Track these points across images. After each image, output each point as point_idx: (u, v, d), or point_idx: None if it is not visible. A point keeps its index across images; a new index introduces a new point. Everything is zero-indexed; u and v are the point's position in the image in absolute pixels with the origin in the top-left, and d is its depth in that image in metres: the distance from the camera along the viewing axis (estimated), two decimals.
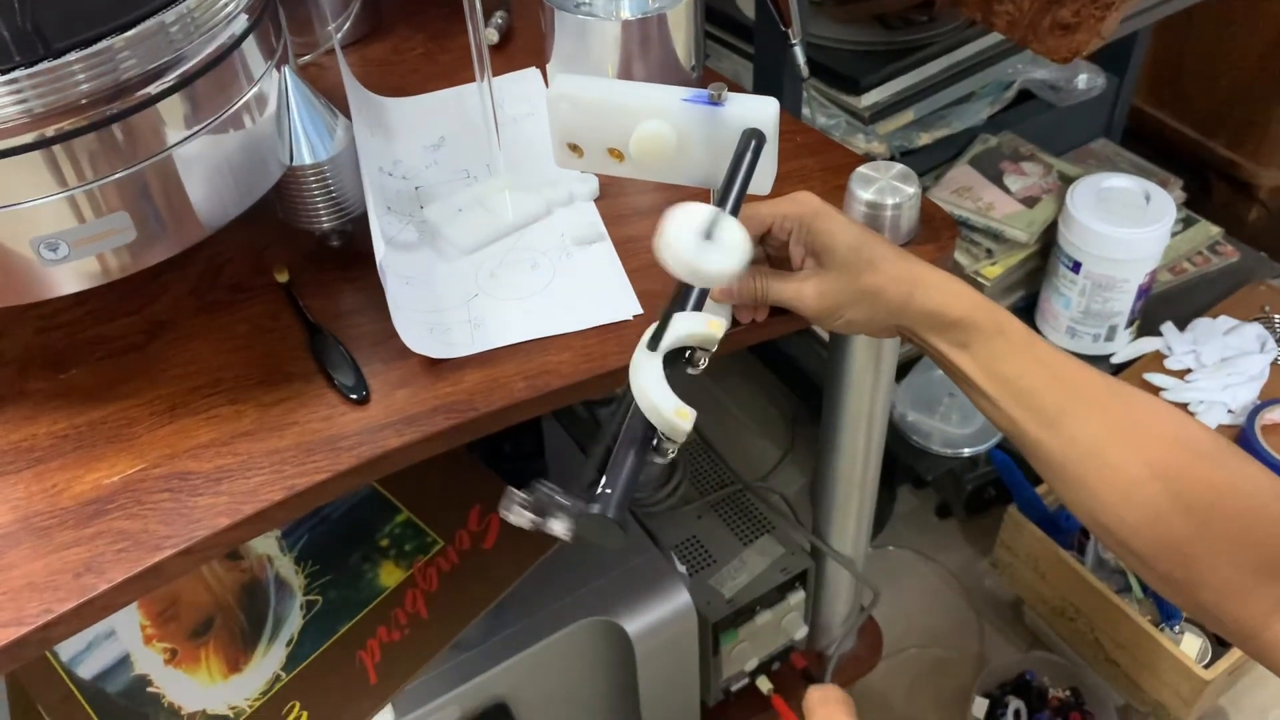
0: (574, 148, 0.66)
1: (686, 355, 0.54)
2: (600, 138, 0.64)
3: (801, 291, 0.65)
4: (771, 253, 0.69)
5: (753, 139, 0.58)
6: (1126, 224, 1.25)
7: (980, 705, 1.20)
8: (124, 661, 0.82)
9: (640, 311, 0.73)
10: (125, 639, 0.83)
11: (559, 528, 0.50)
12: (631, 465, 0.49)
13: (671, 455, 0.51)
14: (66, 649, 0.83)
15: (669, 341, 0.52)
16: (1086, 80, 1.48)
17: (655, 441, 0.51)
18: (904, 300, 0.63)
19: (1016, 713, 1.19)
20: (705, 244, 0.51)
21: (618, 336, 0.72)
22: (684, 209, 0.52)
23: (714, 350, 0.55)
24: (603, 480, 0.48)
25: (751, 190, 0.61)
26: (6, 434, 0.68)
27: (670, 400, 0.50)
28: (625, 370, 0.70)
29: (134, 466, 0.65)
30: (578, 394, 0.69)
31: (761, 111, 0.57)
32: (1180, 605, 0.60)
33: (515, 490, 0.51)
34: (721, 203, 0.58)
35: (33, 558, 0.61)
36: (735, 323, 0.71)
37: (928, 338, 0.63)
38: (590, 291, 0.75)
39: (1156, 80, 1.70)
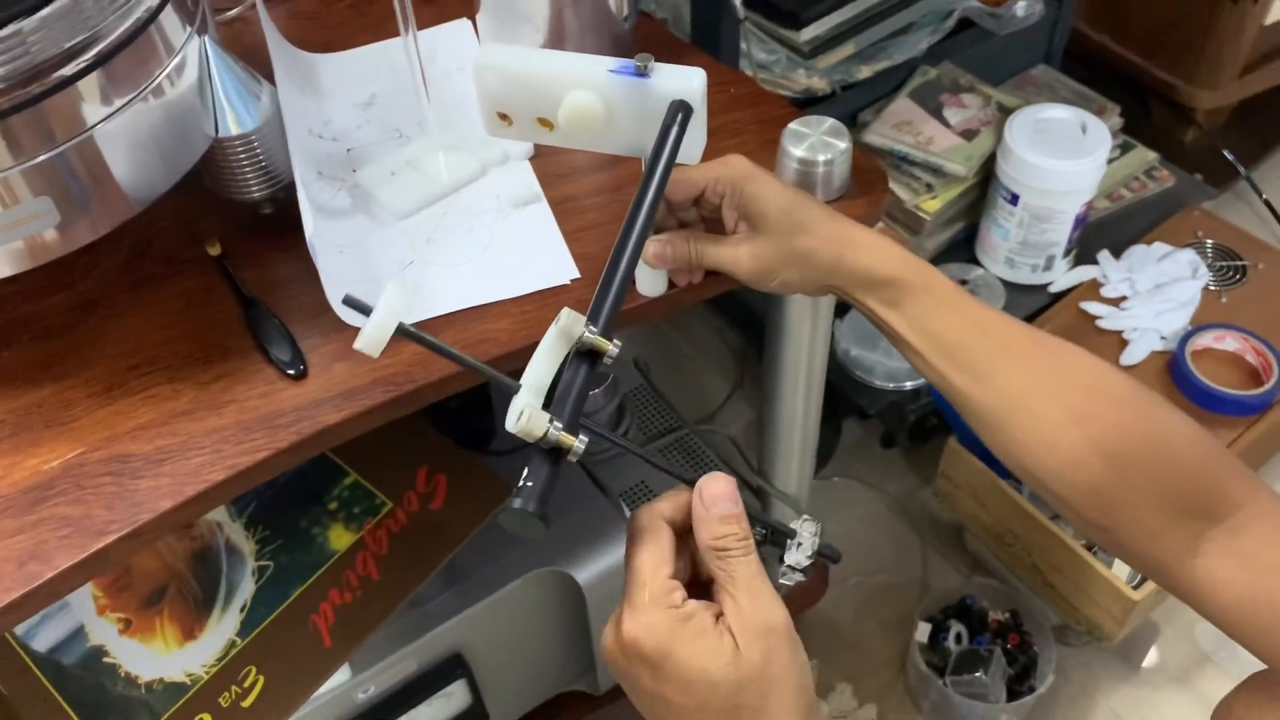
0: (504, 116, 0.66)
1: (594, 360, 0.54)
2: (529, 107, 0.63)
3: (736, 256, 0.66)
4: (706, 215, 0.69)
5: (679, 112, 0.58)
6: (1063, 156, 1.27)
7: (923, 629, 1.24)
8: (78, 633, 0.83)
9: (577, 275, 0.73)
10: (79, 610, 0.84)
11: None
12: (550, 465, 0.50)
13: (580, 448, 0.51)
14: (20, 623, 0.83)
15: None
16: (1025, 7, 1.47)
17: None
18: (835, 261, 0.64)
19: (958, 636, 1.23)
20: None
21: (556, 302, 0.72)
22: None
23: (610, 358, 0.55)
24: (525, 473, 0.49)
25: (681, 159, 0.62)
26: None
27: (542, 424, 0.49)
28: None
29: (73, 450, 0.65)
30: (517, 361, 0.70)
31: (687, 83, 0.57)
32: (1102, 545, 0.63)
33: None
34: (649, 174, 0.59)
35: None
36: (672, 285, 0.72)
37: (859, 296, 0.64)
38: (528, 256, 0.75)
39: (1097, 3, 1.70)
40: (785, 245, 0.65)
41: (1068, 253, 1.37)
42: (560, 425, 0.49)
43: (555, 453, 0.50)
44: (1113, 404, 0.59)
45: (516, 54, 0.62)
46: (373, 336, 0.48)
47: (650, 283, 0.71)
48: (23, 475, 0.64)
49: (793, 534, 0.54)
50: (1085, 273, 1.38)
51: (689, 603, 0.48)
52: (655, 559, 0.50)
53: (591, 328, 0.53)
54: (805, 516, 0.55)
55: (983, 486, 1.24)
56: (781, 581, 0.53)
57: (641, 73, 0.58)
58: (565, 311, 0.53)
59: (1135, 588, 1.13)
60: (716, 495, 0.50)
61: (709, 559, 0.50)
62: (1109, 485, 0.58)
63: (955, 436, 1.27)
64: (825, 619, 1.33)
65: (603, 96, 0.60)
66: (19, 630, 0.83)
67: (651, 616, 0.48)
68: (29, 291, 0.75)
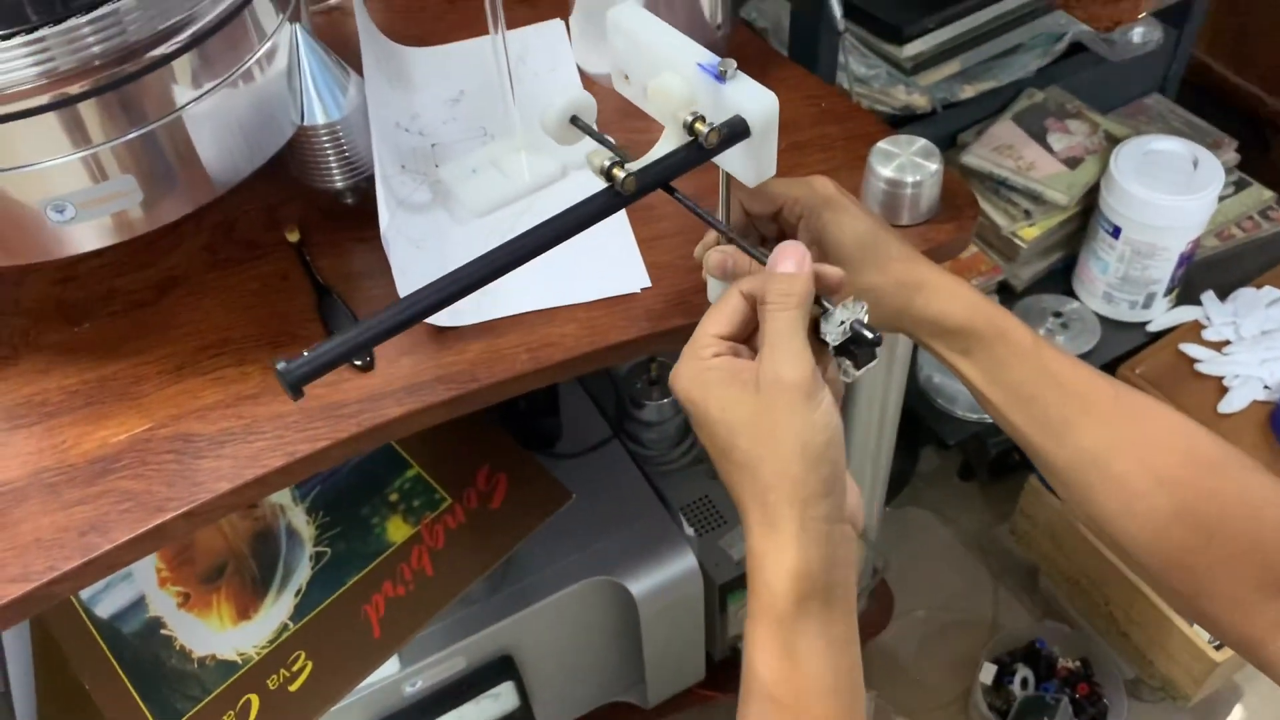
0: (625, 76, 0.65)
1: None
2: (641, 74, 0.62)
3: None
4: (787, 231, 0.67)
5: (730, 128, 0.56)
6: (1171, 190, 1.21)
7: (988, 671, 1.20)
8: (139, 603, 0.84)
9: (648, 284, 0.72)
10: (141, 581, 0.86)
11: None
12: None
13: None
14: (86, 588, 0.85)
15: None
16: (1142, 34, 1.42)
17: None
18: (904, 304, 0.61)
19: (1024, 680, 1.19)
20: None
21: (624, 309, 0.71)
22: None
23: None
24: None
25: (738, 176, 0.60)
26: (20, 387, 0.69)
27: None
28: (629, 344, 0.70)
29: (141, 425, 0.66)
30: (579, 367, 0.69)
31: (756, 102, 0.55)
32: (1185, 614, 0.60)
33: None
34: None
35: (41, 514, 0.62)
36: None
37: (930, 341, 0.62)
38: (600, 261, 0.74)
39: (1218, 32, 1.63)
40: (852, 280, 0.62)
41: (1169, 291, 1.31)
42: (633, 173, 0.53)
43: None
44: (1198, 468, 0.56)
45: (644, 20, 0.61)
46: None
47: (720, 293, 0.70)
48: (91, 446, 0.65)
49: (828, 305, 0.53)
50: (1187, 313, 1.32)
51: (719, 358, 0.52)
52: (712, 318, 0.54)
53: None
54: (853, 299, 0.53)
55: (1062, 528, 1.19)
56: (836, 359, 0.53)
57: (720, 76, 0.56)
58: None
59: (1218, 648, 1.07)
60: (781, 255, 0.53)
61: (758, 311, 0.53)
62: (1191, 554, 0.55)
63: (1036, 475, 1.23)
64: (887, 651, 1.30)
65: (689, 85, 0.58)
66: (84, 595, 0.85)
67: (684, 366, 0.53)
68: (113, 266, 0.76)
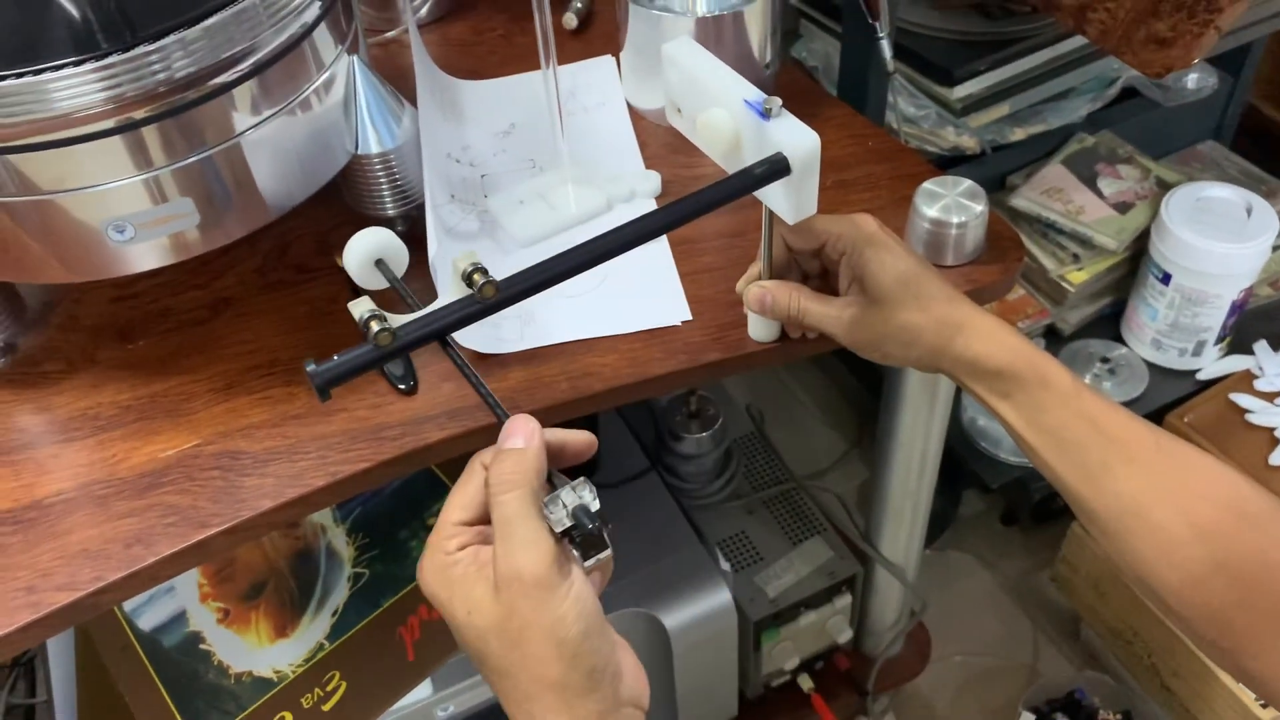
0: (678, 109, 0.66)
1: None
2: (691, 107, 0.63)
3: (839, 319, 0.64)
4: (829, 268, 0.68)
5: (769, 166, 0.56)
6: (1224, 237, 1.20)
7: None
8: (180, 617, 0.86)
9: (689, 317, 0.73)
10: (183, 595, 0.87)
11: None
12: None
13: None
14: (130, 600, 0.87)
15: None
16: (1197, 80, 1.41)
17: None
18: (944, 345, 0.61)
19: None
20: None
21: (664, 342, 0.71)
22: None
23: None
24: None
25: (778, 213, 0.60)
26: (75, 400, 0.71)
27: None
28: (668, 377, 0.71)
29: (189, 442, 0.68)
30: (618, 398, 0.70)
31: (797, 141, 0.56)
32: (1227, 670, 0.58)
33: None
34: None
35: (89, 525, 0.64)
36: (784, 335, 0.71)
37: (969, 383, 0.62)
38: (642, 293, 0.75)
39: (1275, 79, 1.61)
40: (893, 318, 0.62)
41: (1221, 339, 1.29)
42: (388, 327, 0.51)
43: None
44: (1241, 520, 0.55)
45: (696, 55, 0.62)
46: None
47: (761, 329, 0.70)
48: (140, 460, 0.67)
49: (556, 484, 0.49)
50: (1238, 362, 1.30)
51: (464, 550, 0.48)
52: (453, 502, 0.50)
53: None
54: (583, 479, 0.49)
55: (1105, 577, 1.17)
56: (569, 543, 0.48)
57: (765, 114, 0.57)
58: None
59: (1264, 706, 1.05)
60: (508, 431, 0.50)
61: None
62: (1232, 609, 0.54)
63: (1079, 523, 1.21)
64: (922, 697, 1.28)
65: (735, 121, 0.59)
66: (127, 607, 0.87)
67: (426, 559, 0.49)
68: (169, 286, 0.79)
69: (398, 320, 0.53)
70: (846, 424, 1.57)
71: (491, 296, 0.53)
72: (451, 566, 0.48)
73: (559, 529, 0.47)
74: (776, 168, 0.56)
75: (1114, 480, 0.57)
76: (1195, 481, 0.56)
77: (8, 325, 0.72)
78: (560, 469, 0.52)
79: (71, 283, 0.78)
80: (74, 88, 0.58)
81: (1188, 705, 1.12)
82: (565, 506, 0.48)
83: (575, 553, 0.48)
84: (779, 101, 0.58)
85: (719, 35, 0.83)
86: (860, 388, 1.58)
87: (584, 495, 0.48)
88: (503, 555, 0.46)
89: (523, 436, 0.50)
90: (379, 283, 0.61)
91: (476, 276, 0.53)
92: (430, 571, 0.49)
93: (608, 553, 0.49)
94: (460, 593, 0.47)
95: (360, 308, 0.52)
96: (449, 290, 0.56)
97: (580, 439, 0.53)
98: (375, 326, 0.51)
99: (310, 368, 0.50)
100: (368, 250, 0.60)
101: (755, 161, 0.57)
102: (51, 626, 0.60)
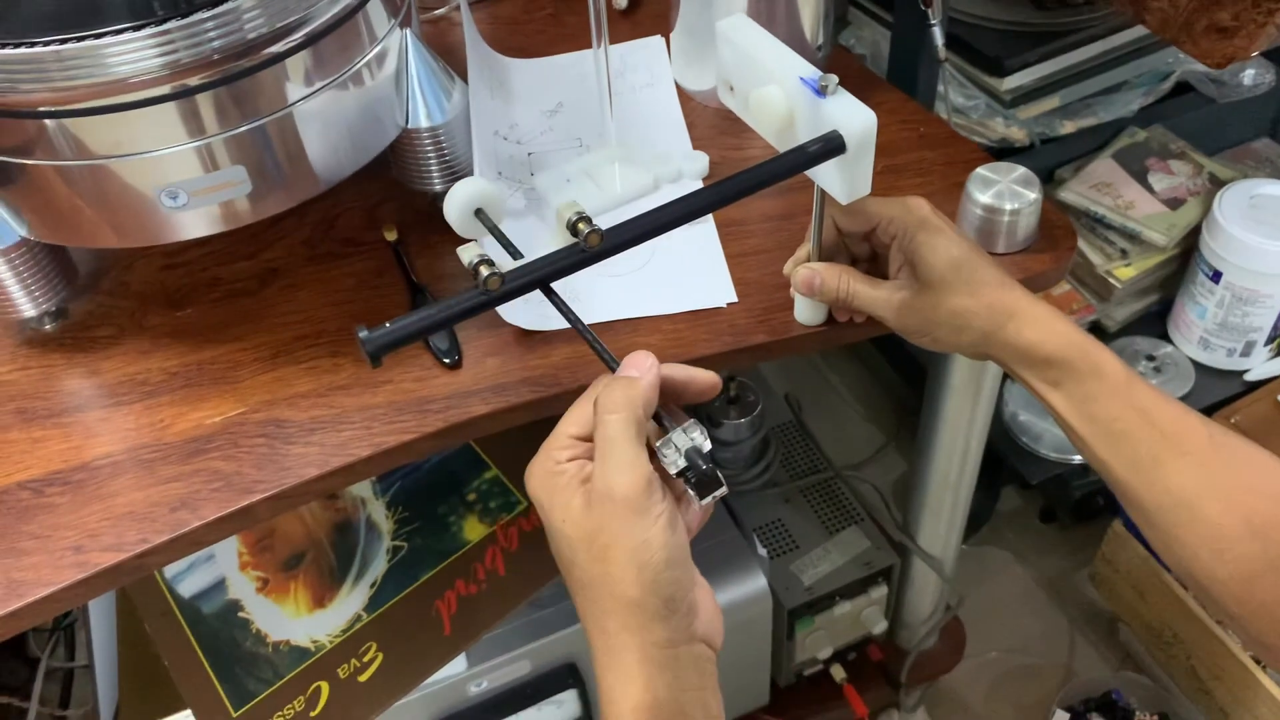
0: (730, 86, 0.65)
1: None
2: (744, 85, 0.63)
3: (889, 302, 0.63)
4: (880, 251, 0.67)
5: (825, 143, 0.56)
6: (1277, 236, 1.18)
7: (1061, 719, 1.17)
8: (220, 585, 0.87)
9: (734, 299, 0.72)
10: (223, 563, 0.88)
11: None
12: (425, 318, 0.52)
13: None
14: (171, 566, 0.88)
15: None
16: (1254, 76, 1.38)
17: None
18: (994, 330, 0.60)
19: None
20: None
21: (708, 323, 0.71)
22: None
23: None
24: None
25: (831, 193, 0.60)
26: (124, 365, 0.72)
27: None
28: (713, 359, 0.70)
29: (236, 409, 0.68)
30: None
31: (853, 119, 0.55)
32: (1272, 665, 0.57)
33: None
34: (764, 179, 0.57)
35: (135, 488, 0.64)
36: (831, 320, 0.70)
37: (1019, 371, 0.61)
38: (688, 274, 0.74)
39: None
40: (944, 302, 0.61)
41: (1271, 340, 1.27)
42: (497, 272, 0.51)
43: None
44: None
45: (751, 32, 0.61)
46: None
47: (808, 312, 0.69)
48: (187, 426, 0.68)
49: (669, 428, 0.50)
50: None
51: (572, 462, 0.49)
52: (571, 417, 0.51)
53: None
54: (693, 421, 0.50)
55: (1145, 577, 1.16)
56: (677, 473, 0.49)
57: (820, 91, 0.56)
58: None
59: None
60: (626, 364, 0.51)
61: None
62: None
63: (1121, 520, 1.19)
64: (956, 692, 1.27)
65: (789, 99, 0.59)
66: (168, 573, 0.88)
67: (536, 464, 0.50)
68: (219, 255, 0.79)
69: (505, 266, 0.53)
70: (885, 417, 1.55)
71: (596, 245, 0.53)
72: (558, 475, 0.49)
73: (674, 470, 0.49)
74: (831, 145, 0.55)
75: (1165, 474, 0.56)
76: (1249, 476, 0.55)
77: (59, 290, 0.72)
78: (684, 405, 0.53)
79: (123, 249, 0.79)
80: (131, 53, 0.58)
81: (1227, 709, 1.11)
82: (678, 449, 0.49)
83: (691, 492, 0.49)
84: (835, 79, 0.57)
85: (772, 15, 0.82)
86: (899, 381, 1.57)
87: (695, 437, 0.49)
88: (599, 473, 0.48)
89: (638, 369, 0.51)
90: (478, 232, 0.61)
91: (581, 225, 0.53)
92: (537, 476, 0.50)
93: (723, 490, 0.49)
94: (560, 500, 0.49)
95: (469, 253, 0.53)
96: (550, 241, 0.56)
97: (705, 378, 0.54)
98: (485, 271, 0.52)
99: (362, 334, 0.50)
100: (469, 198, 0.60)
101: (809, 140, 0.57)
102: (96, 587, 0.61)
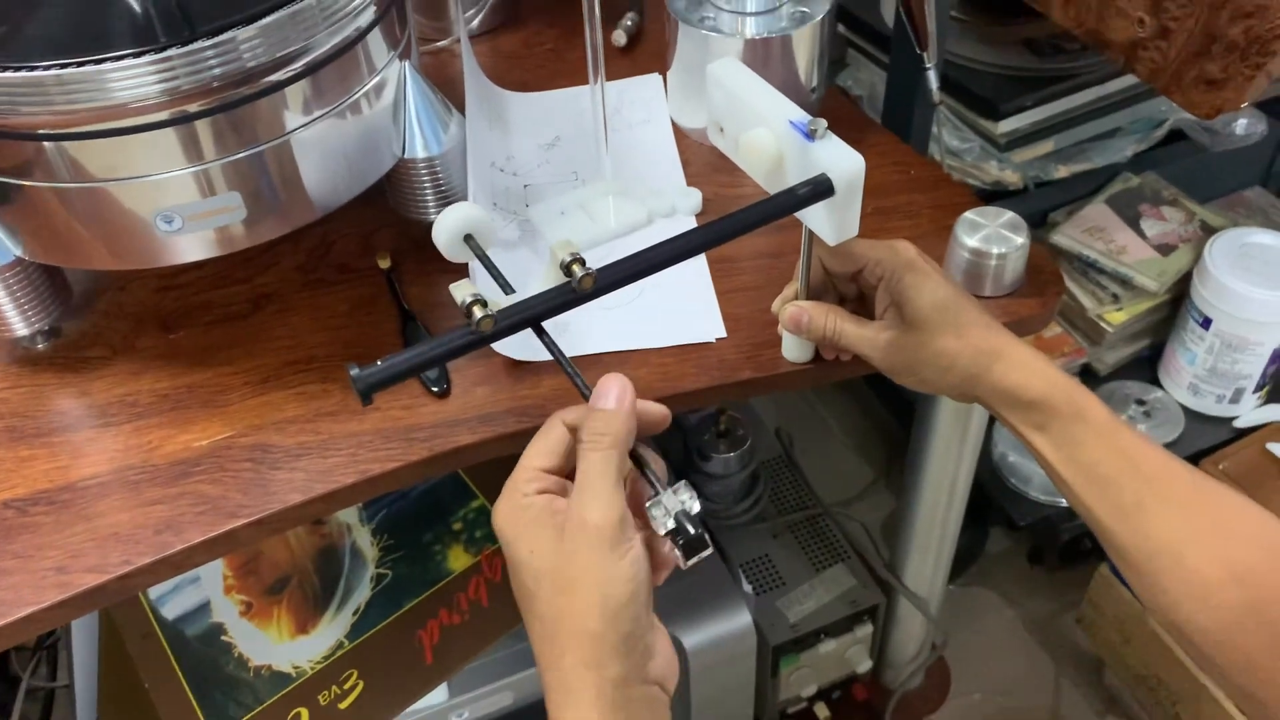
0: (720, 128, 0.66)
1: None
2: (734, 127, 0.63)
3: (875, 342, 0.64)
4: (866, 292, 0.67)
5: (812, 186, 0.56)
6: (1267, 284, 1.18)
7: None
8: (204, 607, 0.87)
9: (723, 335, 0.73)
10: (208, 586, 0.88)
11: None
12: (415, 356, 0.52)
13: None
14: (156, 588, 0.88)
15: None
16: (1246, 125, 1.39)
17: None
18: (979, 372, 0.60)
19: None
20: None
21: (697, 358, 0.72)
22: None
23: None
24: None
25: (819, 234, 0.60)
26: (114, 387, 0.72)
27: None
28: (700, 393, 0.71)
29: (223, 433, 0.69)
30: None
31: (842, 163, 0.56)
32: (1251, 718, 0.57)
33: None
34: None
35: (121, 509, 0.64)
36: (818, 357, 0.71)
37: (1004, 413, 0.61)
38: (678, 309, 0.75)
39: None
40: (929, 343, 0.62)
41: (1260, 388, 1.27)
42: (490, 314, 0.52)
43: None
44: (1279, 563, 0.54)
45: (741, 75, 0.62)
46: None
47: (795, 350, 0.70)
48: (174, 449, 0.68)
49: (659, 489, 0.50)
50: (1277, 411, 1.28)
51: (541, 495, 0.50)
52: (534, 449, 0.51)
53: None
54: (684, 483, 0.50)
55: (1130, 621, 1.16)
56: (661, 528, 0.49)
57: (809, 134, 0.57)
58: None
59: None
60: (601, 389, 0.52)
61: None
62: (1266, 655, 0.52)
63: (1107, 564, 1.19)
64: None
65: (778, 141, 0.59)
66: (153, 595, 0.88)
67: (503, 500, 0.50)
68: (211, 279, 0.80)
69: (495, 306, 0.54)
70: (875, 454, 1.56)
71: (589, 288, 0.54)
72: (526, 509, 0.49)
73: (662, 531, 0.49)
74: (820, 189, 0.56)
75: (1148, 519, 0.56)
76: (1233, 524, 0.55)
77: (53, 309, 0.73)
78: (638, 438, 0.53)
79: (117, 270, 0.80)
80: (132, 79, 0.59)
81: None
82: (667, 510, 0.49)
83: (678, 553, 0.49)
84: (824, 123, 0.58)
85: (767, 58, 0.83)
86: (890, 418, 1.57)
87: (685, 499, 0.50)
88: (577, 505, 0.48)
89: (615, 396, 0.51)
90: (466, 257, 0.62)
91: (575, 267, 0.53)
92: (504, 510, 0.50)
93: (709, 551, 0.50)
94: (528, 533, 0.49)
95: (462, 291, 0.53)
96: (544, 278, 0.56)
97: (657, 410, 0.54)
98: (479, 313, 0.52)
99: (354, 371, 0.50)
100: (458, 223, 0.61)
101: (798, 182, 0.58)
102: (78, 607, 0.61)
